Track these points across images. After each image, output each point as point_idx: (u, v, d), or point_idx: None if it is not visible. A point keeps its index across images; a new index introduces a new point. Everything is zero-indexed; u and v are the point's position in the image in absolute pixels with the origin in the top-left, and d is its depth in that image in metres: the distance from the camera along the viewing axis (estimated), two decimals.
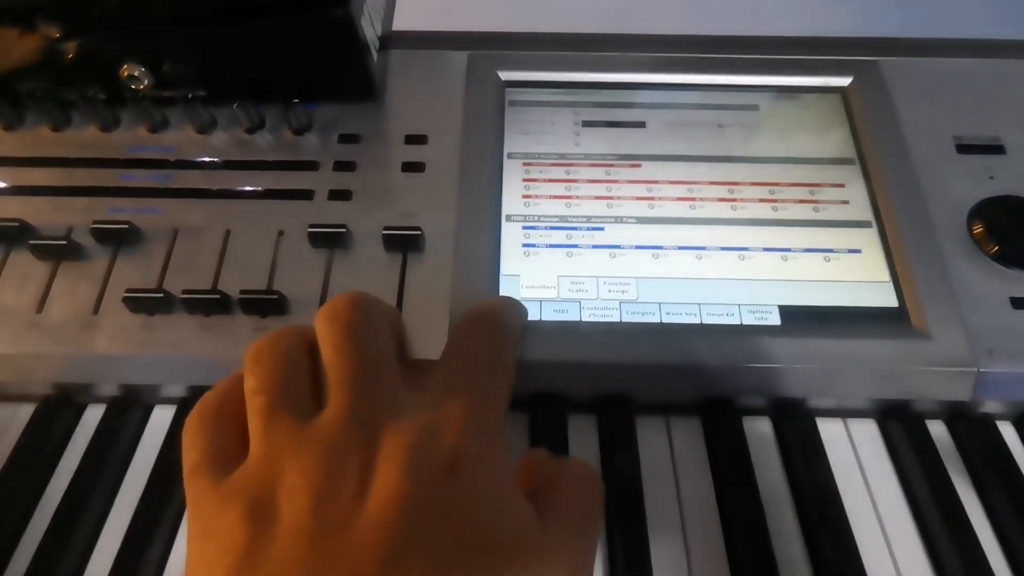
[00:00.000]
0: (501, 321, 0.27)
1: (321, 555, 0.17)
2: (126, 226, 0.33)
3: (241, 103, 0.36)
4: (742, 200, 0.36)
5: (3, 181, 0.35)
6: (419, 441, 0.19)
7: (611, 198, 0.36)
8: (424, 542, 0.18)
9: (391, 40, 0.41)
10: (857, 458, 0.32)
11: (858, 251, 0.34)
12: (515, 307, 0.30)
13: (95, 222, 0.33)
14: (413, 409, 0.21)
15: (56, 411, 0.32)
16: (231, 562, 0.18)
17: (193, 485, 0.20)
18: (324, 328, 0.22)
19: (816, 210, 0.35)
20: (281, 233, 0.34)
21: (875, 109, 0.38)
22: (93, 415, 0.33)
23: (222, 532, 0.18)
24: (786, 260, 0.34)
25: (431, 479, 0.19)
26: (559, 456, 0.25)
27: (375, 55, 0.37)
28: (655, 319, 0.32)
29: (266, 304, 0.31)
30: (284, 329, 0.23)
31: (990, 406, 0.32)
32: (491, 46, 0.40)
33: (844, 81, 0.39)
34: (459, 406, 0.21)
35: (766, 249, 0.34)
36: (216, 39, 0.34)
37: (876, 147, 0.36)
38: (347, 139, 0.37)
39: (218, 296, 0.31)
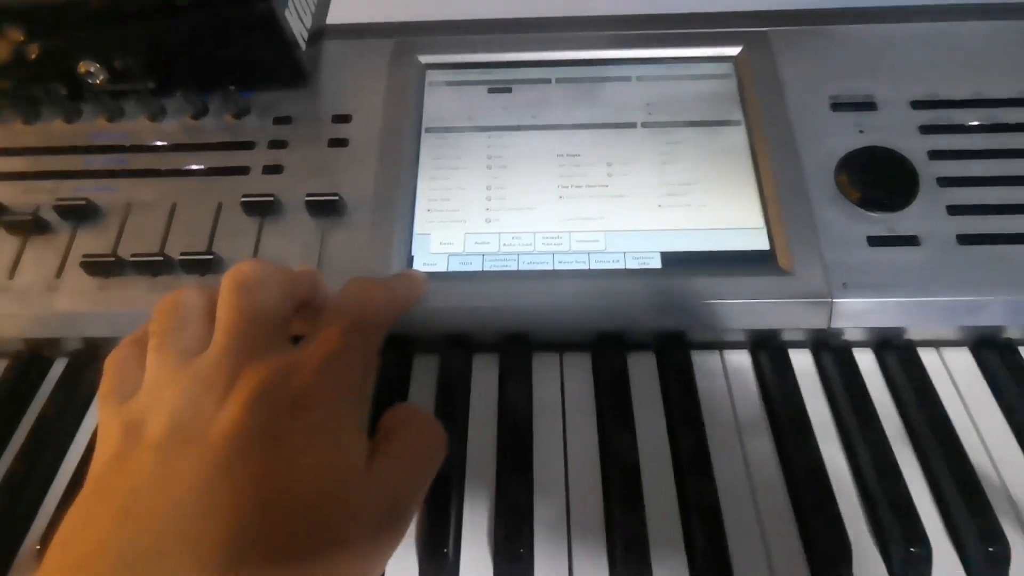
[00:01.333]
0: (384, 288, 0.30)
1: (165, 466, 0.21)
2: (84, 203, 0.38)
3: (186, 92, 0.41)
4: (635, 160, 0.39)
5: None
6: (269, 381, 0.23)
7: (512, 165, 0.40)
8: (248, 467, 0.21)
9: (324, 32, 0.45)
10: (729, 385, 0.35)
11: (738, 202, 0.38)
12: (405, 284, 0.33)
13: (57, 199, 0.38)
14: (277, 354, 0.24)
15: (27, 365, 0.37)
16: (104, 465, 0.23)
17: (100, 408, 0.25)
18: (221, 285, 0.26)
19: (699, 167, 0.39)
20: (220, 205, 0.38)
21: (761, 75, 0.41)
22: (59, 368, 0.37)
23: (105, 443, 0.23)
24: (672, 210, 0.38)
25: (271, 414, 0.22)
26: (406, 404, 0.29)
27: (303, 45, 0.41)
28: (548, 266, 0.36)
29: (204, 264, 0.36)
30: (190, 287, 0.27)
31: (851, 334, 0.36)
32: (414, 33, 0.44)
33: (734, 51, 0.43)
34: (317, 352, 0.24)
35: (658, 205, 0.38)
36: (156, 34, 0.39)
37: (760, 109, 0.40)
38: (280, 121, 0.41)
39: (163, 259, 0.36)
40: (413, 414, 0.27)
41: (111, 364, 0.26)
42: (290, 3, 0.40)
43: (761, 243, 0.36)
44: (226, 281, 0.26)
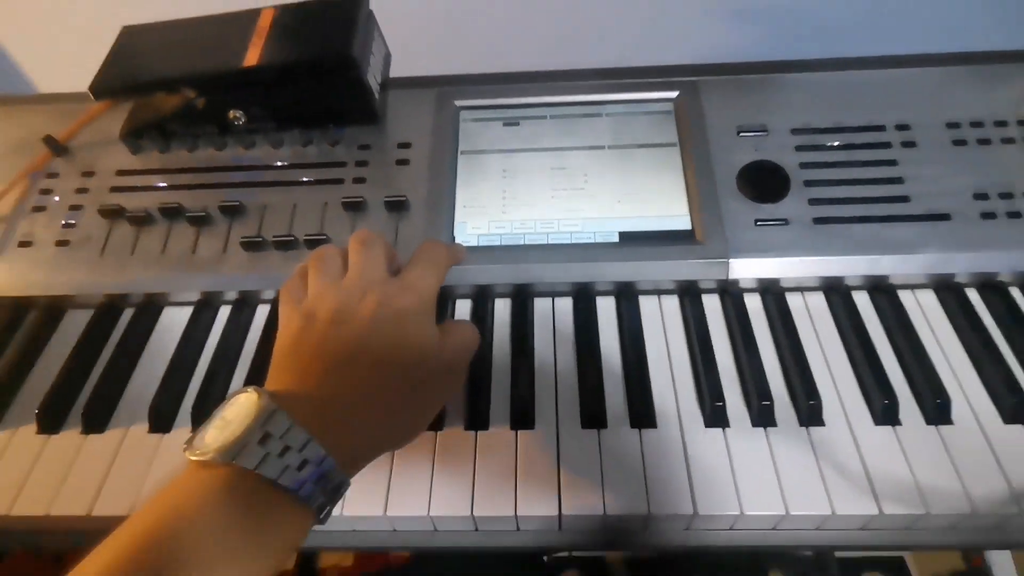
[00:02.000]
0: (440, 250, 0.49)
1: (334, 334, 0.39)
2: (237, 203, 0.57)
3: (298, 129, 0.60)
4: (603, 172, 0.58)
5: (164, 182, 0.60)
6: (383, 292, 0.42)
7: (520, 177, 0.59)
8: (381, 335, 0.40)
9: (388, 84, 0.64)
10: (663, 323, 0.54)
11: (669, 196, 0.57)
12: (454, 249, 0.52)
13: (220, 202, 0.57)
14: (384, 282, 0.43)
15: (202, 308, 0.57)
16: (290, 338, 0.40)
17: (282, 308, 0.43)
18: (350, 243, 0.45)
19: (646, 176, 0.58)
20: (325, 204, 0.58)
21: (691, 112, 0.60)
22: (224, 312, 0.57)
23: (287, 328, 0.42)
24: (627, 205, 0.56)
25: (388, 309, 0.41)
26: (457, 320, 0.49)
27: (376, 95, 0.61)
28: (544, 241, 0.55)
29: (319, 242, 0.55)
30: (327, 245, 0.46)
31: (744, 283, 0.54)
32: (451, 84, 0.64)
33: (673, 94, 0.61)
34: (405, 285, 0.43)
35: (618, 201, 0.57)
36: (279, 92, 0.58)
37: (689, 135, 0.59)
38: (363, 147, 0.60)
39: (292, 238, 0.55)
40: (461, 321, 0.47)
41: (288, 283, 0.45)
42: (370, 68, 0.59)
43: (685, 225, 0.55)
44: (352, 242, 0.45)
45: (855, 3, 0.78)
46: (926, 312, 0.53)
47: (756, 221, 0.54)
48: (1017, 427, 0.46)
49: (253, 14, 0.60)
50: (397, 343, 0.39)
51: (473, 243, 0.56)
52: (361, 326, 0.39)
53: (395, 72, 0.66)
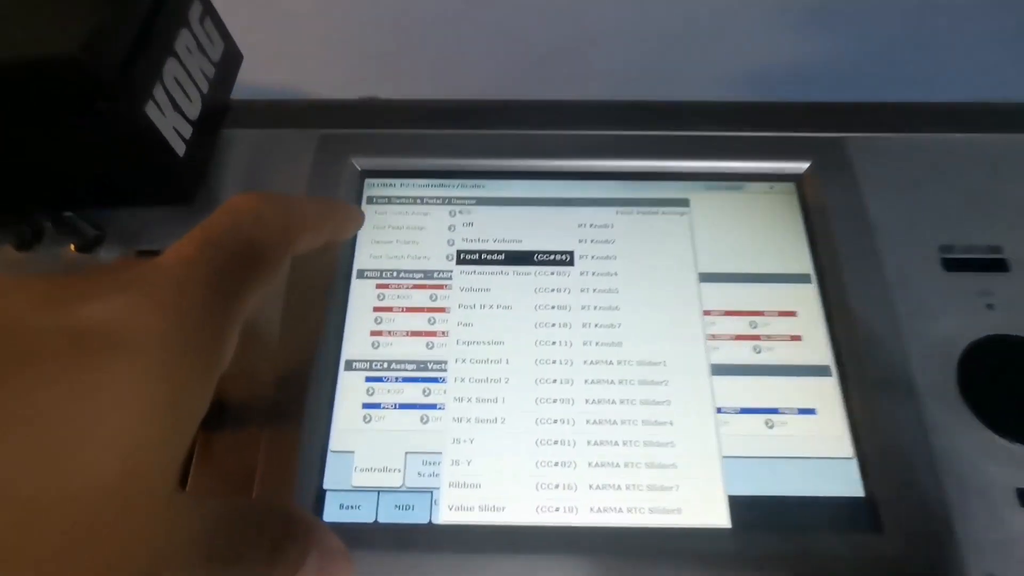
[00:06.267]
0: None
1: None
2: None
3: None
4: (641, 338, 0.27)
5: None
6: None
7: (493, 341, 0.27)
8: None
9: (223, 117, 0.32)
10: None
11: (812, 411, 0.26)
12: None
13: None
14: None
15: None
16: None
17: None
18: None
19: (757, 350, 0.27)
20: None
21: (840, 206, 0.29)
22: None
23: None
24: (720, 425, 0.25)
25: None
26: None
27: (184, 144, 0.28)
28: (564, 522, 0.24)
29: None
30: None
31: None
32: (351, 118, 0.32)
33: (799, 167, 0.30)
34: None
35: (697, 417, 0.25)
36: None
37: (840, 259, 0.28)
38: (145, 254, 0.28)
39: None
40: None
41: None
42: (164, 89, 0.27)
43: (851, 485, 0.24)
44: None
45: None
46: None
47: (1021, 493, 0.24)
48: None
49: None
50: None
51: (368, 513, 0.24)
52: None
53: (248, 90, 0.33)
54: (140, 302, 0.15)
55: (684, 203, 0.30)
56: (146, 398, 0.14)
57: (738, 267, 0.28)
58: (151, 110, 0.26)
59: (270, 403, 0.25)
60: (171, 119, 0.28)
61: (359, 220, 0.27)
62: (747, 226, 0.29)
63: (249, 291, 0.18)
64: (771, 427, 0.25)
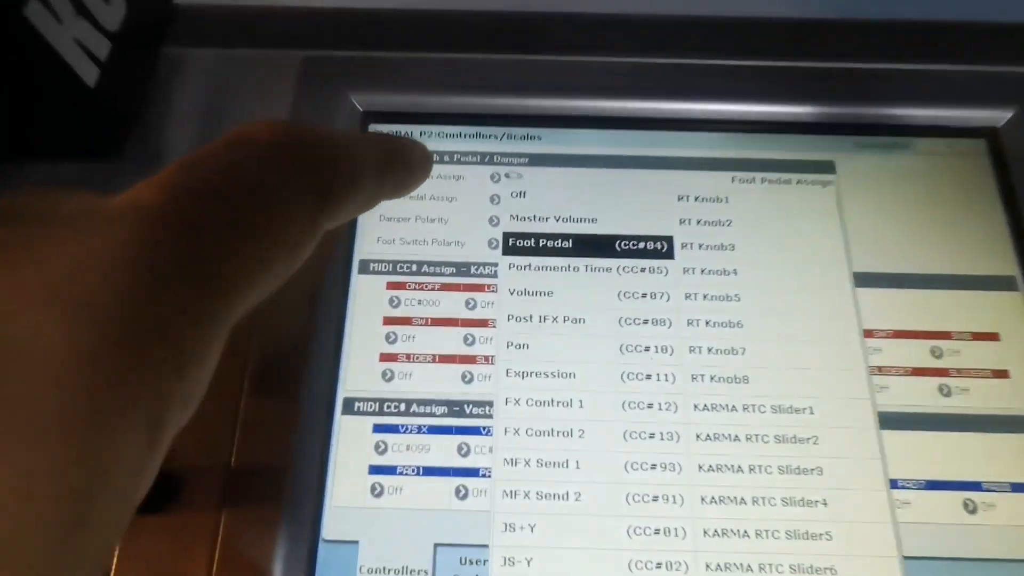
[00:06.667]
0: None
1: None
2: None
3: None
4: (790, 374, 0.18)
5: None
6: None
7: (560, 374, 0.18)
8: None
9: (162, 30, 0.22)
10: None
11: None
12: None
13: None
14: None
15: None
16: None
17: None
18: None
19: (945, 391, 0.18)
20: None
21: None
22: None
23: None
24: (897, 507, 0.17)
25: None
26: None
27: (94, 75, 0.19)
28: None
29: None
30: None
31: None
32: (339, 41, 0.22)
33: (997, 116, 0.21)
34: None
35: (870, 489, 0.17)
36: None
37: None
38: None
39: None
40: None
41: None
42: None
43: None
44: None
45: None
46: None
47: None
48: None
49: None
50: None
51: None
52: None
53: None
54: (43, 297, 0.08)
55: (829, 167, 0.21)
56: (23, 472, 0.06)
57: (909, 265, 0.20)
58: (34, 13, 0.17)
59: (233, 472, 0.17)
60: (73, 29, 0.18)
61: (428, 167, 0.16)
62: (919, 203, 0.20)
63: (247, 283, 0.10)
64: (972, 511, 0.17)
